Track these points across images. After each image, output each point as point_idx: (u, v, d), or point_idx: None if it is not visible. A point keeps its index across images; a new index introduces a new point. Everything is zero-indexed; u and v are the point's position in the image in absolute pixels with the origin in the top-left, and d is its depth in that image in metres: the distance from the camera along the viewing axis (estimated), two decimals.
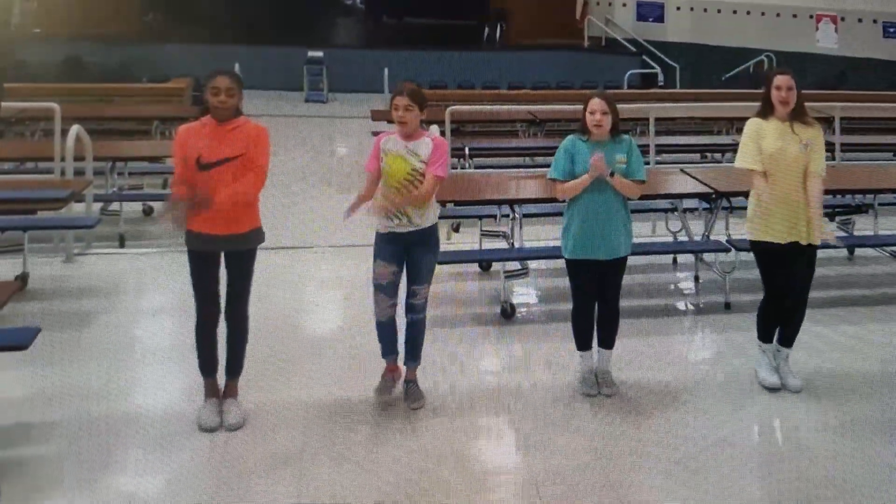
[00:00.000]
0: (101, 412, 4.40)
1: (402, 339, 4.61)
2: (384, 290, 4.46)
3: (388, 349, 4.59)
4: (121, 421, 4.31)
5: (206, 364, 4.33)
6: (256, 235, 4.32)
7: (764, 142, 4.57)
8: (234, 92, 4.17)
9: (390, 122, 4.51)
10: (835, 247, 5.30)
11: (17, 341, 4.44)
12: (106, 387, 4.69)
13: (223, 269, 4.29)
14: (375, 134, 4.65)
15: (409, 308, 4.53)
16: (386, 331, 4.55)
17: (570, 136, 4.64)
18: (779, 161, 4.54)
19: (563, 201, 4.67)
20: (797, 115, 4.61)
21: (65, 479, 3.80)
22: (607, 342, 4.76)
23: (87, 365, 4.94)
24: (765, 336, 4.82)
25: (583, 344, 4.75)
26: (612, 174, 4.44)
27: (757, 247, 4.70)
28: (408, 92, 4.39)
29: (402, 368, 4.63)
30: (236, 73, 4.27)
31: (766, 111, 4.65)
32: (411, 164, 4.36)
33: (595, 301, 4.68)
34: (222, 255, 4.26)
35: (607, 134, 4.54)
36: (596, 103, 4.51)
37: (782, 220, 4.56)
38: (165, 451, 4.06)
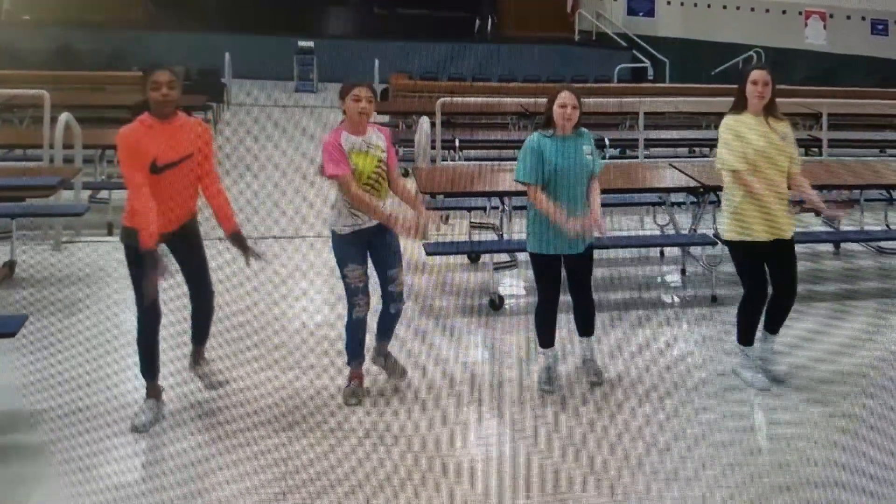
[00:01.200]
0: (89, 400, 4.38)
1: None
2: (363, 291, 4.36)
3: (357, 351, 4.48)
4: (108, 409, 4.29)
5: (153, 368, 4.22)
6: (196, 215, 4.25)
7: (746, 140, 4.52)
8: (175, 85, 3.98)
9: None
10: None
11: (5, 328, 4.41)
12: (93, 374, 4.67)
13: None
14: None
15: (394, 297, 4.46)
16: (361, 329, 4.43)
17: (534, 134, 4.55)
18: (766, 157, 4.51)
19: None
20: (770, 109, 4.58)
21: (51, 467, 3.78)
22: (587, 330, 4.76)
23: (74, 352, 4.92)
24: (746, 339, 4.77)
25: (546, 341, 4.72)
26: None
27: (739, 247, 4.64)
28: (367, 84, 4.33)
29: (364, 375, 4.56)
30: (175, 68, 4.10)
31: (740, 106, 4.60)
32: (376, 157, 4.28)
33: (557, 297, 4.64)
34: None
35: (570, 128, 4.49)
36: (567, 97, 4.45)
37: (770, 216, 4.54)
38: (151, 440, 4.05)
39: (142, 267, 3.93)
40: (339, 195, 4.31)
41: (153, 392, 4.25)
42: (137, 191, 3.87)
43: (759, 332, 4.79)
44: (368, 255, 4.39)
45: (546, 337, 4.71)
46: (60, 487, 3.63)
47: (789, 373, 4.74)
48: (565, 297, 4.68)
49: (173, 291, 4.29)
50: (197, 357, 4.42)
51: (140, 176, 3.88)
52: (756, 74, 4.55)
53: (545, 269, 4.60)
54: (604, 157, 4.54)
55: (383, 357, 4.62)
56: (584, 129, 4.59)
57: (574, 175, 4.46)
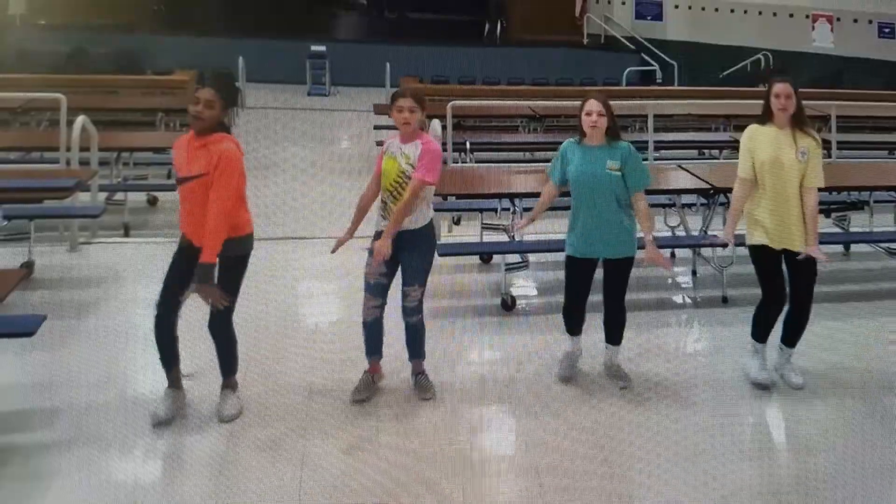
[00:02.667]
0: (105, 399, 4.38)
1: (401, 339, 4.56)
2: (370, 289, 4.37)
3: (371, 349, 4.50)
4: (124, 407, 4.29)
5: (167, 356, 4.22)
6: (237, 244, 4.08)
7: (757, 150, 4.54)
8: (214, 104, 3.94)
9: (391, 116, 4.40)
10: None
11: (23, 328, 4.42)
12: (110, 373, 4.67)
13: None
14: (377, 128, 4.61)
15: (403, 311, 4.45)
16: (370, 331, 4.45)
17: (568, 140, 4.59)
18: (772, 169, 4.50)
19: (565, 195, 4.65)
20: (798, 122, 4.54)
21: (67, 464, 3.78)
22: (615, 339, 4.73)
23: (91, 352, 4.93)
24: (759, 335, 4.77)
25: (572, 329, 4.74)
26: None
27: (750, 251, 4.67)
28: (411, 93, 4.33)
29: (381, 370, 4.57)
30: (226, 86, 4.05)
31: (765, 118, 4.60)
32: (400, 167, 4.28)
33: (585, 300, 4.65)
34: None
35: (602, 137, 4.45)
36: (592, 104, 4.43)
37: (772, 228, 4.53)
38: (167, 438, 4.05)
39: (177, 252, 4.13)
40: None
41: (172, 382, 4.26)
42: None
43: (777, 343, 4.77)
44: (399, 265, 4.39)
45: (569, 325, 4.74)
46: (77, 484, 3.63)
47: (802, 385, 4.68)
48: (596, 298, 4.67)
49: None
50: (224, 384, 4.33)
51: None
52: (778, 88, 4.51)
53: (570, 268, 4.64)
54: None
55: (413, 376, 4.58)
56: (623, 143, 4.48)
57: (592, 185, 4.42)
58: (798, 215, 4.54)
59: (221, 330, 4.21)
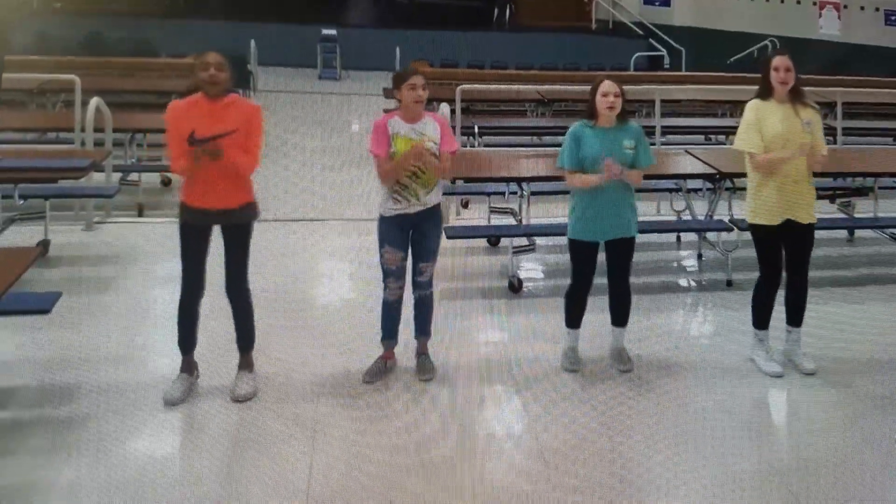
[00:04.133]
0: (121, 375, 4.39)
1: (409, 318, 4.56)
2: (394, 273, 4.38)
3: (389, 333, 4.49)
4: (139, 384, 4.30)
5: (186, 341, 4.24)
6: (250, 209, 4.20)
7: (765, 125, 4.47)
8: (224, 67, 4.05)
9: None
10: None
11: (39, 305, 4.46)
12: (124, 350, 4.69)
13: (213, 251, 4.19)
14: (388, 111, 4.55)
15: (416, 286, 4.46)
16: (392, 311, 4.45)
17: (577, 123, 4.52)
18: (783, 143, 4.44)
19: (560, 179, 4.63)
20: (796, 95, 4.51)
21: (83, 440, 3.80)
22: (620, 320, 4.70)
23: (106, 329, 4.94)
24: (760, 322, 4.71)
25: (572, 322, 4.69)
26: (621, 171, 4.33)
27: (754, 230, 4.61)
28: (421, 73, 4.33)
29: (395, 357, 4.57)
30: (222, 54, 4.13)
31: (765, 93, 4.54)
32: (425, 145, 4.27)
33: (590, 284, 4.61)
34: (213, 232, 4.16)
35: (614, 119, 4.43)
36: (608, 85, 4.39)
37: (781, 200, 4.47)
38: (181, 415, 4.06)
39: (184, 238, 4.13)
40: None
41: (187, 367, 4.26)
42: (175, 159, 3.99)
43: (783, 326, 4.72)
44: (410, 243, 4.39)
45: (573, 318, 4.67)
46: (92, 460, 3.64)
47: (814, 370, 4.63)
48: (600, 281, 4.65)
49: (217, 268, 4.27)
50: (241, 364, 4.33)
51: (177, 152, 3.98)
52: (777, 61, 4.49)
53: (579, 253, 4.56)
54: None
55: (416, 356, 4.58)
56: (632, 124, 4.51)
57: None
58: (806, 187, 4.50)
59: (241, 293, 4.24)
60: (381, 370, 4.48)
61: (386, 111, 4.61)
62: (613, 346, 4.75)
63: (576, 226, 4.52)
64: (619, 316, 4.70)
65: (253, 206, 4.23)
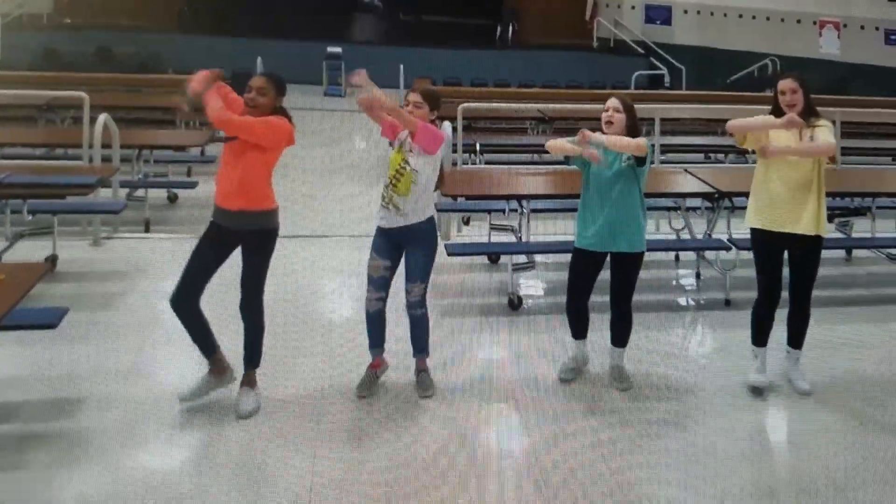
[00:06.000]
0: (127, 390, 4.43)
1: (404, 337, 4.62)
2: (373, 282, 4.41)
3: (374, 342, 4.52)
4: (144, 399, 4.33)
5: (196, 341, 4.27)
6: (270, 216, 4.24)
7: (773, 134, 4.44)
8: (266, 91, 4.12)
9: None
10: None
11: (46, 320, 4.50)
12: (131, 365, 4.72)
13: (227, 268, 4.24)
14: None
15: (407, 305, 4.49)
16: (373, 322, 4.48)
17: None
18: (787, 163, 4.43)
19: (574, 196, 4.63)
20: (809, 116, 4.43)
21: (89, 454, 3.83)
22: (620, 341, 4.72)
23: (113, 344, 4.98)
24: (758, 339, 4.71)
25: (573, 332, 4.73)
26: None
27: (752, 235, 4.60)
28: (420, 90, 4.39)
29: (386, 363, 4.59)
30: (276, 77, 4.22)
31: (778, 116, 4.44)
32: (403, 157, 4.33)
33: (588, 297, 4.64)
34: (233, 250, 4.21)
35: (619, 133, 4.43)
36: (610, 101, 4.47)
37: (781, 206, 4.45)
38: (186, 430, 4.09)
39: (202, 236, 4.19)
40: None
41: (215, 363, 4.31)
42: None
43: (784, 347, 4.74)
44: (402, 257, 4.44)
45: (572, 328, 4.72)
46: (98, 474, 3.68)
47: (809, 391, 4.64)
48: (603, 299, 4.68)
49: (229, 274, 4.31)
50: (244, 381, 4.34)
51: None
52: (782, 84, 4.46)
53: (578, 261, 4.61)
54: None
55: (416, 373, 4.60)
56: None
57: (612, 182, 4.41)
58: (814, 197, 4.44)
59: (253, 309, 4.25)
60: (373, 380, 4.50)
61: None
62: (612, 364, 4.77)
63: (590, 236, 4.52)
64: (619, 337, 4.71)
65: (273, 213, 4.25)
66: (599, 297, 4.75)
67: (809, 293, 4.61)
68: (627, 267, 4.57)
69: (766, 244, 4.55)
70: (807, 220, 4.44)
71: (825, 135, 4.44)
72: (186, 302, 4.18)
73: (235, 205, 4.14)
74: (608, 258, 4.58)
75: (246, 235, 4.19)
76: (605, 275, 4.66)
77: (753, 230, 4.60)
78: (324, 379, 4.63)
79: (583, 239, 4.55)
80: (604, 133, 4.42)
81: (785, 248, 4.54)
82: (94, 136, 7.17)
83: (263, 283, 4.27)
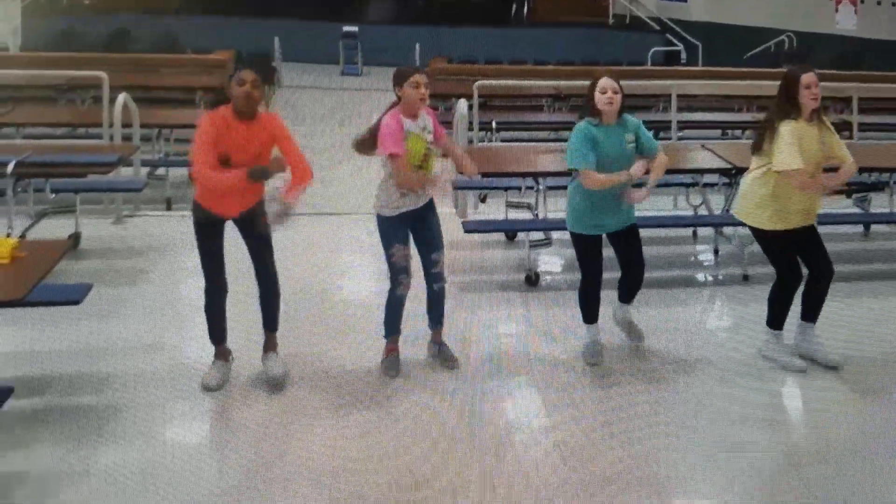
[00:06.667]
0: (151, 365, 4.46)
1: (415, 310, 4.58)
2: (403, 270, 4.34)
3: (394, 329, 4.49)
4: (170, 373, 4.37)
5: (216, 335, 4.30)
6: (263, 202, 4.20)
7: (804, 144, 4.30)
8: (259, 85, 3.95)
9: None
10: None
11: (71, 297, 4.52)
12: (155, 340, 4.76)
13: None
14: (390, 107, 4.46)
15: (434, 278, 4.44)
16: (402, 306, 4.44)
17: (582, 123, 4.38)
18: (807, 161, 4.34)
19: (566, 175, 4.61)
20: (819, 112, 4.39)
21: (117, 427, 3.87)
22: (631, 298, 4.72)
23: (136, 319, 5.02)
24: (776, 322, 4.65)
25: (590, 318, 4.67)
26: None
27: (767, 235, 4.52)
28: (424, 70, 4.30)
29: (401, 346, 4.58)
30: (262, 67, 4.13)
31: (795, 112, 4.32)
32: (425, 141, 4.27)
33: (601, 277, 4.58)
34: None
35: (615, 116, 4.36)
36: (606, 82, 4.31)
37: (801, 207, 4.42)
38: (210, 404, 4.12)
39: (204, 237, 4.08)
40: (387, 176, 4.28)
41: (221, 354, 4.32)
42: (202, 169, 3.87)
43: (797, 323, 4.68)
44: (411, 235, 4.40)
45: (590, 313, 4.66)
46: (126, 447, 3.71)
47: (841, 360, 4.59)
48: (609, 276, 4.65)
49: (242, 262, 4.32)
50: (267, 346, 4.38)
51: (205, 159, 3.88)
52: (807, 78, 4.30)
53: (588, 247, 4.52)
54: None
55: (437, 346, 4.59)
56: (627, 117, 4.43)
57: (619, 166, 4.33)
58: (818, 198, 4.48)
59: (270, 275, 4.27)
60: (396, 362, 4.48)
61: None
62: (623, 319, 4.76)
63: (578, 220, 4.48)
64: (633, 293, 4.69)
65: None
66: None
67: (829, 257, 4.56)
68: (632, 234, 4.54)
69: (786, 240, 4.50)
70: (813, 213, 4.51)
71: (846, 151, 4.48)
72: (222, 299, 4.23)
73: (245, 209, 4.14)
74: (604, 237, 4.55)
75: (248, 218, 4.16)
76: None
77: (772, 231, 4.49)
78: (342, 354, 4.65)
79: (581, 223, 4.48)
80: (603, 116, 4.33)
81: (796, 235, 4.52)
82: (113, 115, 7.18)
83: (272, 246, 4.27)
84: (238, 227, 4.20)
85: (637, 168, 4.30)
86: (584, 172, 4.31)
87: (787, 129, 4.31)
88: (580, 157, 4.30)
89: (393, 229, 4.31)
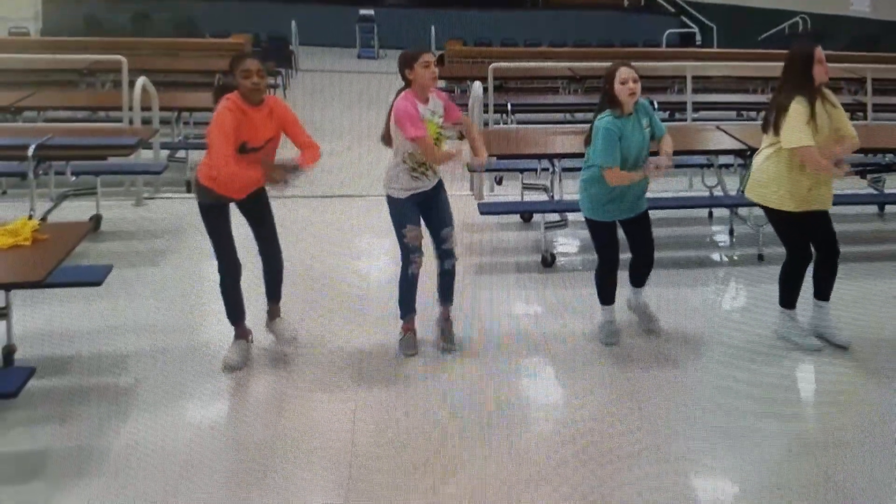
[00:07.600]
0: (172, 344, 4.46)
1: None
2: (417, 250, 4.32)
3: (410, 308, 4.47)
4: (190, 352, 4.37)
5: (234, 314, 4.29)
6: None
7: (816, 119, 4.19)
8: (265, 73, 3.98)
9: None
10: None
11: (92, 278, 4.54)
12: (175, 320, 4.76)
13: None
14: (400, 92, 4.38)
15: (446, 255, 4.41)
16: (414, 285, 4.41)
17: (607, 118, 4.26)
18: (819, 136, 4.23)
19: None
20: (822, 87, 4.30)
21: (138, 405, 3.87)
22: (642, 283, 4.71)
23: (157, 300, 5.02)
24: (789, 302, 4.58)
25: (607, 299, 4.63)
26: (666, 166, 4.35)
27: (779, 214, 4.41)
28: (430, 50, 4.27)
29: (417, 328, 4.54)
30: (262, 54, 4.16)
31: (808, 87, 4.20)
32: (437, 124, 4.23)
33: (618, 259, 4.53)
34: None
35: (633, 105, 4.27)
36: (627, 72, 4.23)
37: (815, 189, 4.32)
38: (229, 382, 4.11)
39: (214, 219, 4.08)
40: (399, 160, 4.22)
41: (241, 333, 4.33)
42: (227, 161, 3.87)
43: (811, 302, 4.60)
44: (422, 215, 4.36)
45: (606, 295, 4.62)
46: (147, 426, 3.71)
47: (850, 340, 4.52)
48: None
49: (248, 246, 4.31)
50: (272, 314, 4.47)
51: (230, 152, 3.88)
52: (821, 53, 4.21)
53: (604, 232, 4.48)
54: None
55: (443, 321, 4.56)
56: (640, 101, 4.35)
57: (640, 152, 4.31)
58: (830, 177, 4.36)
59: (279, 251, 4.35)
60: (414, 341, 4.46)
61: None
62: (638, 305, 4.73)
63: (593, 207, 4.43)
64: (644, 277, 4.67)
65: None
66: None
67: (835, 237, 4.49)
68: (645, 221, 4.53)
69: (798, 221, 4.41)
70: (828, 197, 4.42)
71: (849, 125, 4.38)
72: (237, 281, 4.22)
73: (253, 189, 4.15)
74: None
75: (253, 197, 4.19)
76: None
77: (788, 212, 4.39)
78: (357, 334, 4.62)
79: (598, 211, 4.42)
80: (624, 106, 4.25)
81: (807, 216, 4.41)
82: (133, 98, 7.16)
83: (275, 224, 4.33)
84: (242, 207, 4.22)
85: (655, 168, 4.29)
86: (611, 170, 4.26)
87: (798, 106, 4.21)
88: (610, 157, 4.24)
89: (405, 210, 4.28)
